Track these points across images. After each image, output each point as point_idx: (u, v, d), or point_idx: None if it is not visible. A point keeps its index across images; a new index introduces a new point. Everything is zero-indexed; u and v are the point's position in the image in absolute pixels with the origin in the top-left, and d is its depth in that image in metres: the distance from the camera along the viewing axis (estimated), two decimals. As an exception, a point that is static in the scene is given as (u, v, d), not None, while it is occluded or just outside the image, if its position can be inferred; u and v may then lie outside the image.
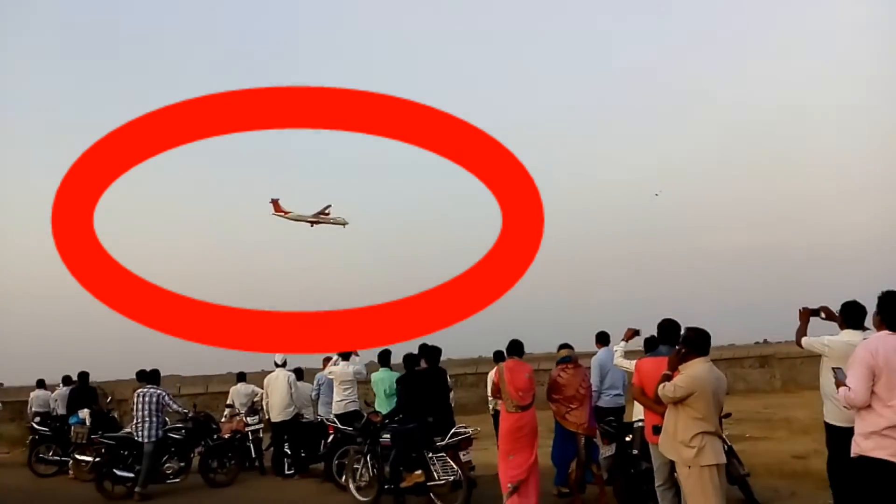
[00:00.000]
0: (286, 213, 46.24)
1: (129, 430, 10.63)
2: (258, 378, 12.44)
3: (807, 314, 6.28)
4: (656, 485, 6.40)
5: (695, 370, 5.34)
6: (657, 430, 5.99)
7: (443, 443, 8.16)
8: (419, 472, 8.18)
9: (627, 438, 7.42)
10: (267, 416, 11.74)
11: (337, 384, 10.71)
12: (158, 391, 10.22)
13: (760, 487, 8.03)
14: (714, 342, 5.66)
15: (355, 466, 8.98)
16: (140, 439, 10.06)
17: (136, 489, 9.91)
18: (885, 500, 4.59)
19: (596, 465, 7.98)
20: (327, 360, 11.16)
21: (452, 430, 8.25)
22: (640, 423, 7.24)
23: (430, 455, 8.19)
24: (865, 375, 4.64)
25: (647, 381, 6.02)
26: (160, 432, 10.23)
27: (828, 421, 6.07)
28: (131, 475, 10.03)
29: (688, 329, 5.61)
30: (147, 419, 10.08)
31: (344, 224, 49.28)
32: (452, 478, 8.04)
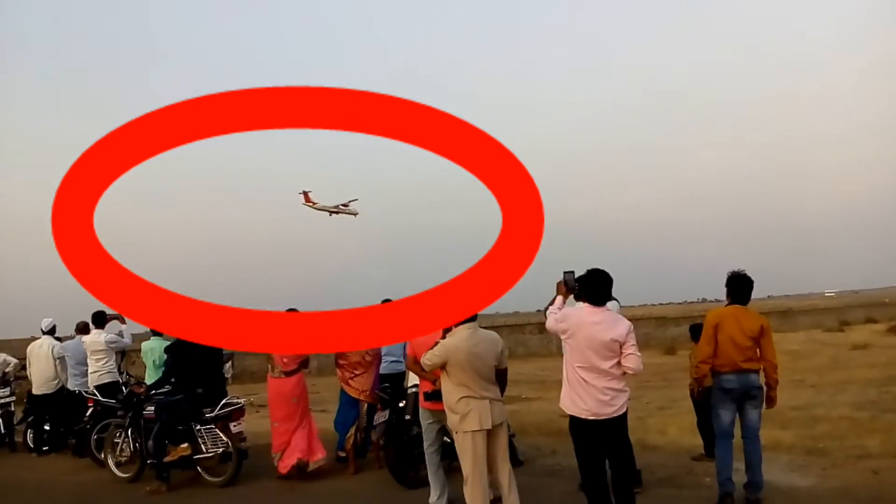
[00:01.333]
0: (314, 203, 50.95)
1: None
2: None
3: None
4: (425, 446, 6.56)
5: (450, 339, 5.45)
6: (427, 396, 6.29)
7: (212, 414, 7.79)
8: (185, 445, 7.74)
9: (401, 404, 7.45)
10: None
11: (90, 354, 9.95)
12: None
13: (526, 445, 8.44)
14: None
15: (115, 441, 8.35)
16: None
17: None
18: (584, 451, 5.23)
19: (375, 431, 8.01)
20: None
21: (223, 401, 7.90)
22: (414, 390, 7.34)
23: (198, 427, 7.78)
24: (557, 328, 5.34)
25: (419, 350, 6.06)
26: None
27: None
28: None
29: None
30: None
31: (355, 214, 53.81)
32: (221, 450, 7.73)
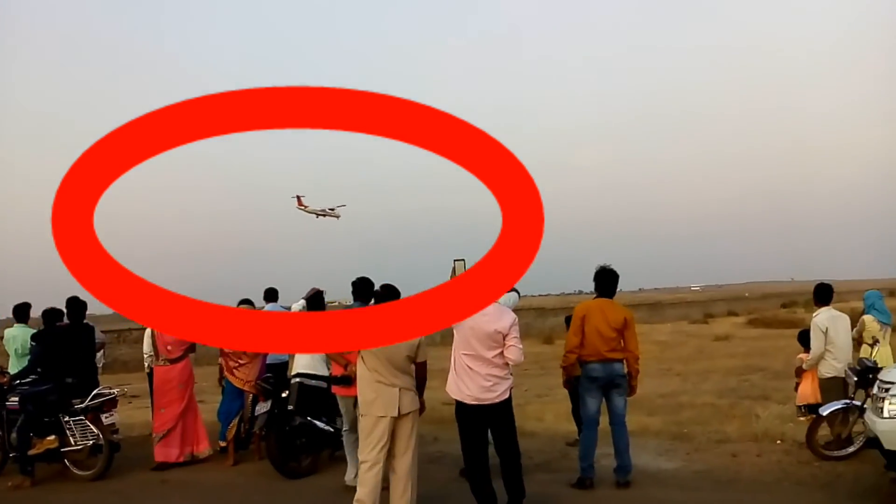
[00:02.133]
0: (305, 207, 55.25)
1: None
2: None
3: None
4: (342, 429, 6.79)
5: None
6: (336, 381, 6.54)
7: (82, 405, 7.43)
8: (52, 437, 7.36)
9: (284, 394, 7.36)
10: None
11: None
12: None
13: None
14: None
15: (-26, 435, 7.83)
16: None
17: None
18: (468, 435, 5.47)
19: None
20: None
21: (95, 392, 7.55)
22: (297, 379, 7.29)
23: (67, 419, 7.40)
24: None
25: None
26: None
27: None
28: None
29: (381, 286, 5.83)
30: None
31: (338, 217, 58.48)
32: (92, 442, 7.38)
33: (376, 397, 5.34)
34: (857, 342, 8.04)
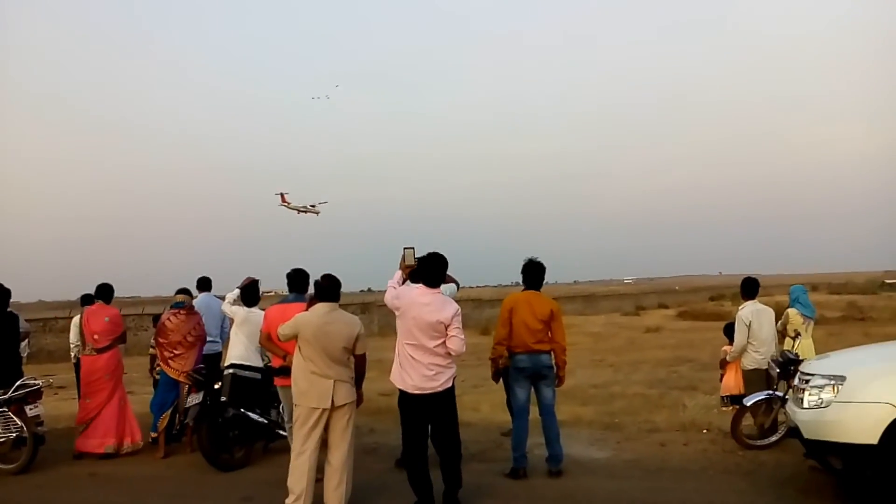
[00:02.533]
0: (288, 203, 57.05)
1: None
2: None
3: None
4: (285, 422, 6.73)
5: (306, 313, 5.55)
6: (275, 371, 6.52)
7: (5, 396, 7.17)
8: (-28, 430, 7.09)
9: (217, 386, 7.24)
10: None
11: None
12: None
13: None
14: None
15: None
16: None
17: None
18: (408, 424, 5.50)
19: None
20: None
21: (18, 383, 7.29)
22: (231, 370, 7.18)
23: (-11, 411, 7.15)
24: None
25: (273, 327, 6.05)
26: None
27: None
28: None
29: (321, 276, 5.73)
30: None
31: (318, 213, 60.85)
32: (15, 435, 7.14)
33: (310, 388, 5.34)
34: (782, 335, 8.34)
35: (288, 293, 6.89)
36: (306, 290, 7.04)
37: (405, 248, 5.86)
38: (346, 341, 5.40)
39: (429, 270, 5.56)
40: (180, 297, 8.07)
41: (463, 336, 5.44)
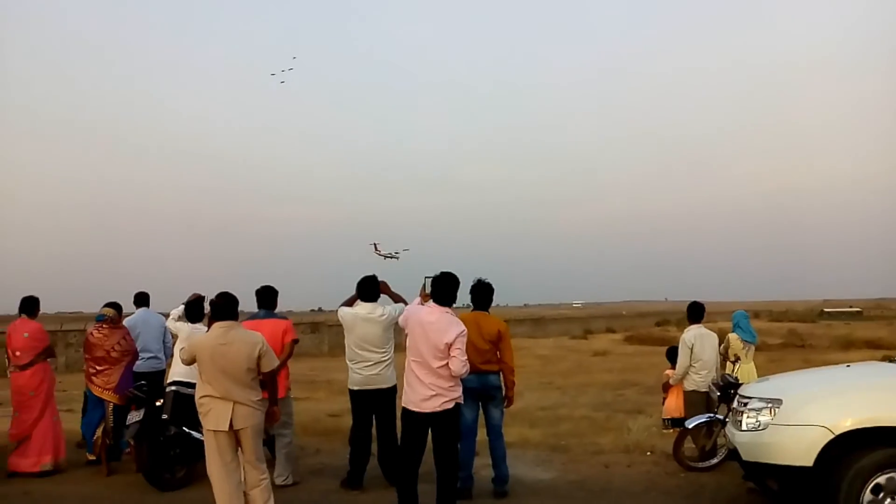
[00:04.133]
0: (380, 251, 63.58)
1: None
2: None
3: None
4: None
5: (200, 335, 5.51)
6: None
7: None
8: None
9: (158, 403, 7.08)
10: None
11: None
12: None
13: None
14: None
15: None
16: None
17: None
18: (405, 440, 5.57)
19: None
20: None
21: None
22: (173, 388, 7.04)
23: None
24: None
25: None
26: None
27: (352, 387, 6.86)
28: None
29: (217, 295, 5.57)
30: None
31: (398, 259, 66.75)
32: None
33: (208, 410, 5.21)
34: (724, 359, 8.54)
35: (258, 311, 6.99)
36: (275, 306, 7.09)
37: (426, 278, 5.92)
38: (250, 361, 5.24)
39: (438, 289, 5.60)
40: (105, 311, 7.76)
41: (464, 358, 5.38)
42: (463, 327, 5.49)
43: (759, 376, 8.00)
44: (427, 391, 5.37)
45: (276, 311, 7.26)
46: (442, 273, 5.68)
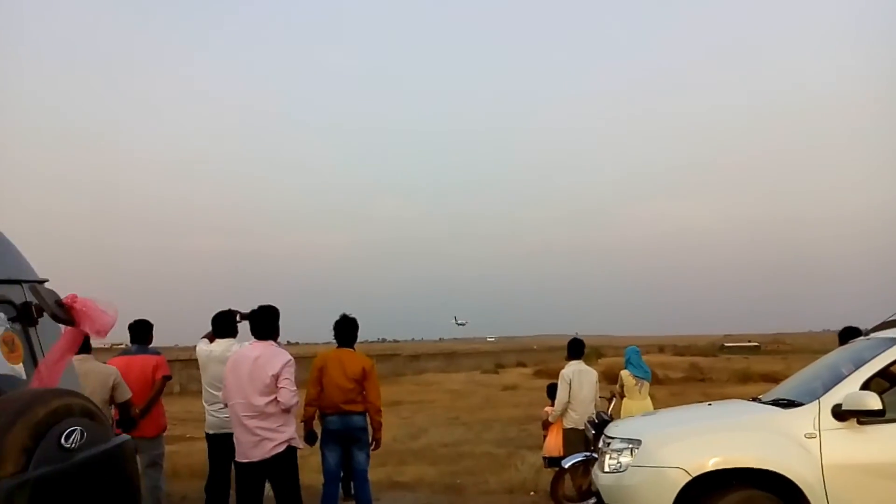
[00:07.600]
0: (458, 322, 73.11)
1: None
2: None
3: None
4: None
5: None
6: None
7: None
8: None
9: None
10: None
11: None
12: None
13: (174, 489, 8.03)
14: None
15: None
16: None
17: None
18: (239, 497, 5.27)
19: None
20: None
21: None
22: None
23: None
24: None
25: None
26: None
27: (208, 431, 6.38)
28: None
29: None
30: None
31: (464, 325, 78.64)
32: None
33: None
34: (621, 395, 8.64)
35: (130, 345, 6.70)
36: (149, 341, 6.76)
37: (239, 314, 5.84)
38: (103, 392, 5.20)
39: (256, 322, 5.39)
40: None
41: (294, 388, 5.12)
42: (289, 357, 5.24)
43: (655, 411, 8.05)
44: (251, 437, 5.05)
45: (151, 345, 6.87)
46: (259, 307, 5.47)
